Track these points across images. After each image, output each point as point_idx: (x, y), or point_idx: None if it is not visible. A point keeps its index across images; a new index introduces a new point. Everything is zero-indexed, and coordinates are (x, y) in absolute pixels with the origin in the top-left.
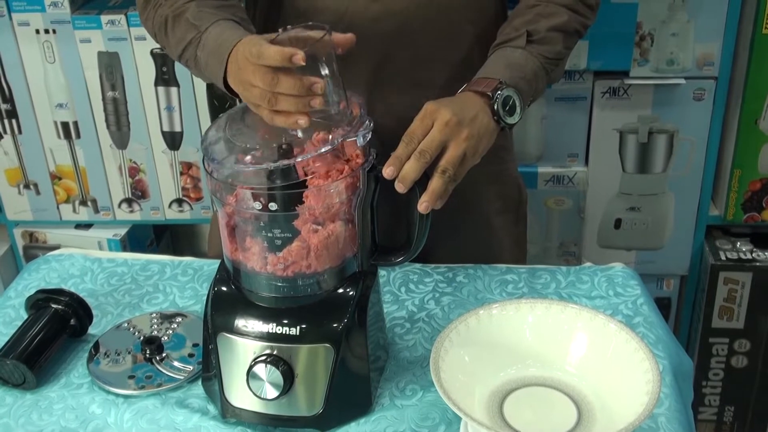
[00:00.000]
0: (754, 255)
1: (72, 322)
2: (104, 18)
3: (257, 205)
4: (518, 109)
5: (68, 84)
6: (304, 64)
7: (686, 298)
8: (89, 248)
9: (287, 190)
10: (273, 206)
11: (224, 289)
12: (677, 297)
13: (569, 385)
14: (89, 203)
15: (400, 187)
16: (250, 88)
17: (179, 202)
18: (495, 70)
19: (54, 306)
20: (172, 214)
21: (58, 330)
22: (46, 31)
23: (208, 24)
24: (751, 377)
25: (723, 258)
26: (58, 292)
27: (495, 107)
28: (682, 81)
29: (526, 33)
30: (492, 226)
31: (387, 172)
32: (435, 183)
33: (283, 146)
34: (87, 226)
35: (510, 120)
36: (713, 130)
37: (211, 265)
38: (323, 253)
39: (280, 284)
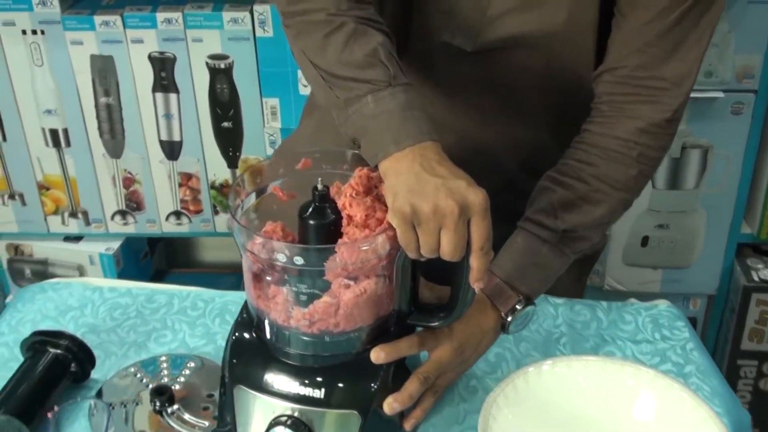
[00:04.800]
0: None
1: (72, 367)
2: (98, 18)
3: (281, 258)
4: (529, 322)
5: (58, 89)
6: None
7: (712, 318)
8: (79, 261)
9: (316, 245)
10: (298, 260)
11: (246, 336)
12: (703, 317)
13: None
14: (80, 215)
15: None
16: (421, 203)
17: (177, 214)
18: (514, 270)
19: (52, 350)
20: (170, 227)
21: (58, 377)
22: (34, 32)
23: (402, 81)
24: None
25: (756, 279)
26: (56, 335)
27: (506, 325)
28: (721, 94)
29: (562, 233)
30: None
31: (392, 408)
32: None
33: (319, 188)
34: (77, 238)
35: (514, 330)
36: (750, 146)
37: (222, 297)
38: (353, 311)
39: (306, 339)
